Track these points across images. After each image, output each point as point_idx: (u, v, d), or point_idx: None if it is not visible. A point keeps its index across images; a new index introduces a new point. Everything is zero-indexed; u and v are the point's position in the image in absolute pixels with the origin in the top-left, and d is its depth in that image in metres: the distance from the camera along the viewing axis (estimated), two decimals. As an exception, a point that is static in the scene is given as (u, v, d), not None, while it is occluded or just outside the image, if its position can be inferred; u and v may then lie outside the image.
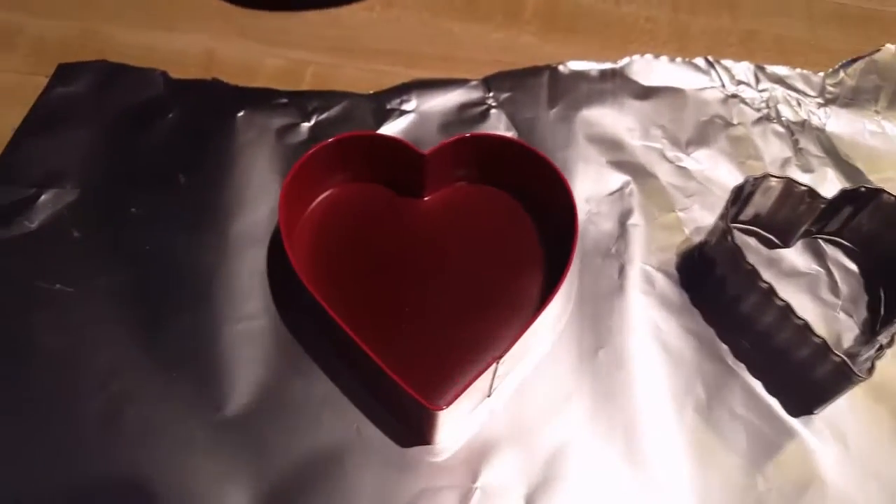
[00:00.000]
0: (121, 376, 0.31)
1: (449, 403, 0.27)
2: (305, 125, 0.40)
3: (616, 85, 0.43)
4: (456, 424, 0.30)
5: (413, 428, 0.30)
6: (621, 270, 0.35)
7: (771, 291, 0.31)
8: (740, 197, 0.34)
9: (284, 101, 0.41)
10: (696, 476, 0.30)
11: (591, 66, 0.43)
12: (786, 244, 0.37)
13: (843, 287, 0.35)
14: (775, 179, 0.34)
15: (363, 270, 0.34)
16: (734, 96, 0.43)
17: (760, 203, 0.36)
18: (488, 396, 0.31)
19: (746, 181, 0.34)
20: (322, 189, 0.35)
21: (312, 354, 0.32)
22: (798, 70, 0.45)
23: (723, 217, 0.33)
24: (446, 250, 0.34)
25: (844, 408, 0.31)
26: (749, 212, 0.36)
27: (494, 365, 0.28)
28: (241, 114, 0.40)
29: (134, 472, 0.29)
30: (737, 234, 0.36)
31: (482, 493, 0.29)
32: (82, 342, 0.32)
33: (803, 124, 0.42)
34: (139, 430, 0.30)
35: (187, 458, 0.29)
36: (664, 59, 0.44)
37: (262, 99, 0.41)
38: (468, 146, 0.34)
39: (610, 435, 0.30)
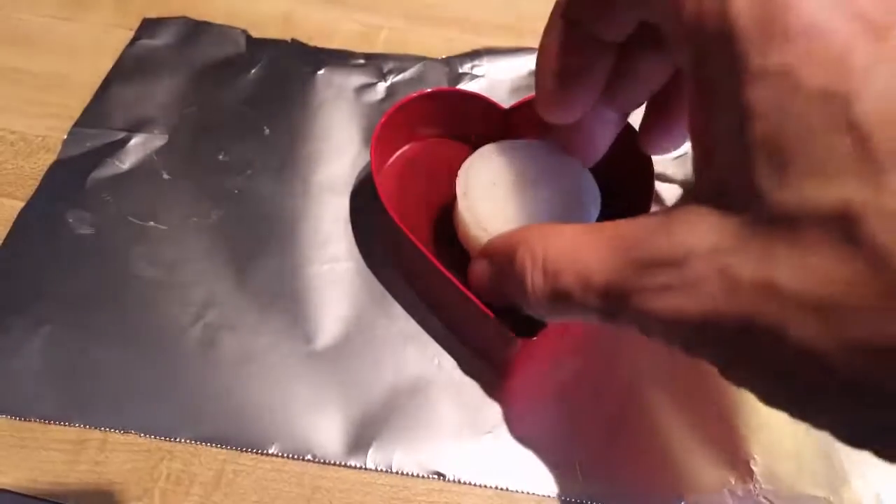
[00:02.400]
0: (215, 309, 0.32)
1: (534, 335, 0.28)
2: (382, 85, 0.41)
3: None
4: (533, 358, 0.31)
5: (493, 361, 0.31)
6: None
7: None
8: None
9: (361, 61, 0.42)
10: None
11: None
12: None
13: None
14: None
15: (441, 219, 0.35)
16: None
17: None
18: (561, 336, 0.32)
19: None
20: (405, 141, 0.37)
21: (394, 294, 0.34)
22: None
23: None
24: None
25: None
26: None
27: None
28: (320, 72, 0.41)
29: (233, 395, 0.30)
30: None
31: (559, 420, 0.30)
32: (177, 276, 0.33)
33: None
34: (236, 358, 0.31)
35: (283, 385, 0.31)
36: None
37: (339, 59, 0.42)
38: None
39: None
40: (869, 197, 0.14)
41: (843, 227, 0.14)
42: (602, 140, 0.30)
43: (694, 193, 0.18)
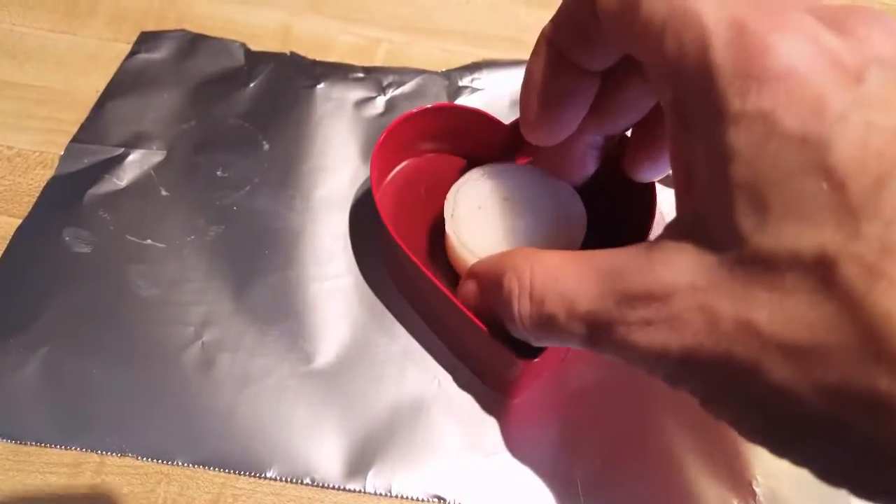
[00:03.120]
0: (214, 328, 0.32)
1: (535, 356, 0.28)
2: (381, 98, 0.41)
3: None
4: (534, 379, 0.31)
5: (492, 381, 0.31)
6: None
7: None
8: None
9: (360, 75, 0.42)
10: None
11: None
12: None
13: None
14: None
15: (440, 236, 0.35)
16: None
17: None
18: (565, 355, 0.32)
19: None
20: (404, 157, 0.37)
21: (394, 312, 0.33)
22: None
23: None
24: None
25: None
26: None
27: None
28: (319, 86, 0.41)
29: (231, 417, 0.30)
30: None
31: (562, 442, 0.30)
32: (175, 295, 0.33)
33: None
34: (234, 379, 0.31)
35: (282, 406, 0.30)
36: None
37: (339, 73, 0.42)
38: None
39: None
40: (844, 243, 0.14)
41: (819, 272, 0.14)
42: (588, 163, 0.30)
43: (674, 226, 0.19)
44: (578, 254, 0.21)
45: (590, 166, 0.30)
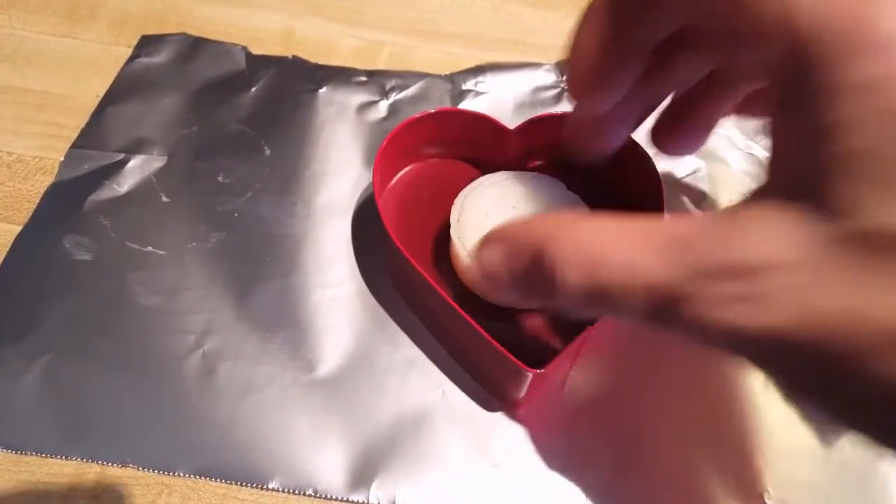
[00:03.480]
0: (215, 337, 0.32)
1: (544, 366, 0.28)
2: (384, 102, 0.41)
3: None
4: (539, 389, 0.31)
5: (498, 391, 0.31)
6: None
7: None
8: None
9: (363, 79, 0.42)
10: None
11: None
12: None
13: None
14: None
15: (444, 242, 0.34)
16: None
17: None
18: (570, 367, 0.32)
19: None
20: (407, 162, 0.36)
21: (397, 320, 0.33)
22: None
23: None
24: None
25: None
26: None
27: (585, 332, 0.29)
28: (322, 90, 0.41)
29: (233, 427, 0.30)
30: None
31: (567, 454, 0.29)
32: (176, 303, 0.33)
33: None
34: (236, 388, 0.31)
35: (284, 416, 0.30)
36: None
37: (341, 77, 0.42)
38: (557, 125, 0.34)
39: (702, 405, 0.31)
40: None
41: None
42: (622, 132, 0.29)
43: (766, 195, 0.17)
44: (638, 219, 0.19)
45: (623, 135, 0.29)
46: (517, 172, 0.32)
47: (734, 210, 0.17)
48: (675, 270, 0.17)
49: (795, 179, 0.16)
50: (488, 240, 0.23)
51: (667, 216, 0.19)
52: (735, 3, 0.17)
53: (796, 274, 0.15)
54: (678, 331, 0.18)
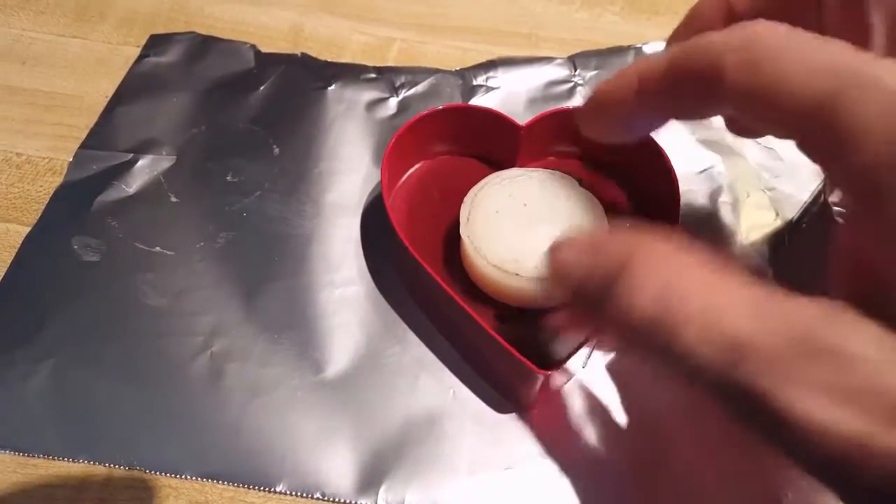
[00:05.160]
0: (223, 338, 0.31)
1: (555, 368, 0.27)
2: (394, 99, 0.40)
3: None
4: (551, 391, 0.30)
5: (509, 393, 0.30)
6: (715, 247, 0.35)
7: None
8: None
9: (373, 75, 0.41)
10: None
11: (676, 47, 0.43)
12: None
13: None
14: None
15: (455, 240, 0.34)
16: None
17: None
18: (583, 367, 0.31)
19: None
20: (416, 160, 0.36)
21: (407, 320, 0.32)
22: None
23: (820, 194, 0.33)
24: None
25: None
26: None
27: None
28: (331, 87, 0.40)
29: (241, 430, 0.29)
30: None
31: (579, 458, 0.29)
32: (184, 304, 0.32)
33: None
34: (244, 390, 0.30)
35: (292, 418, 0.30)
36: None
37: (350, 74, 0.41)
38: (568, 119, 0.34)
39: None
40: None
41: None
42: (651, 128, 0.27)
43: (842, 301, 0.15)
44: (731, 274, 0.17)
45: (641, 135, 0.25)
46: (528, 169, 0.32)
47: (830, 303, 0.15)
48: (761, 327, 0.15)
49: (874, 282, 0.15)
50: (571, 242, 0.21)
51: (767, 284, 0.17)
52: (794, 108, 0.16)
53: (883, 376, 0.14)
54: (738, 403, 0.16)
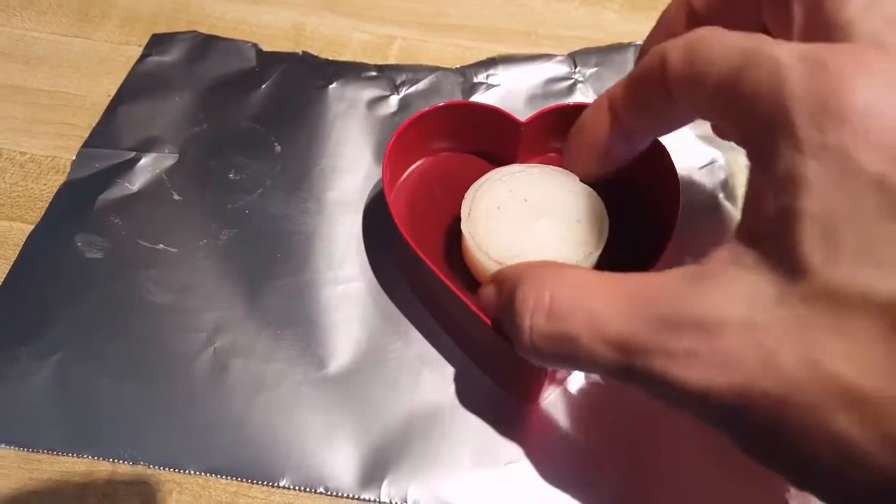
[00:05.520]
0: (226, 334, 0.32)
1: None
2: (395, 97, 0.40)
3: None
4: (554, 387, 0.30)
5: (512, 388, 0.30)
6: (717, 243, 0.35)
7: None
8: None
9: (374, 73, 0.41)
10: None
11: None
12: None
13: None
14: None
15: (456, 236, 0.34)
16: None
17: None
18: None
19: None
20: (418, 156, 0.36)
21: (409, 316, 0.33)
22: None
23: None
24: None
25: None
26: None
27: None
28: (332, 86, 0.41)
29: (244, 425, 0.29)
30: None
31: (582, 453, 0.29)
32: (187, 300, 0.33)
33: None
34: (247, 386, 0.30)
35: (295, 413, 0.30)
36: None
37: (351, 72, 0.41)
38: (569, 116, 0.34)
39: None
40: None
41: (891, 318, 0.14)
42: (627, 156, 0.28)
43: (727, 255, 0.17)
44: (609, 274, 0.20)
45: (628, 159, 0.29)
46: (529, 165, 0.32)
47: (698, 269, 0.18)
48: (641, 324, 0.18)
49: (753, 242, 0.17)
50: (489, 279, 0.25)
51: (635, 273, 0.19)
52: (716, 88, 0.19)
53: (750, 333, 0.16)
54: (639, 385, 0.18)
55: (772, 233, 0.16)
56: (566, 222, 0.29)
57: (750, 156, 0.18)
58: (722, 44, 0.18)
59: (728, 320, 0.16)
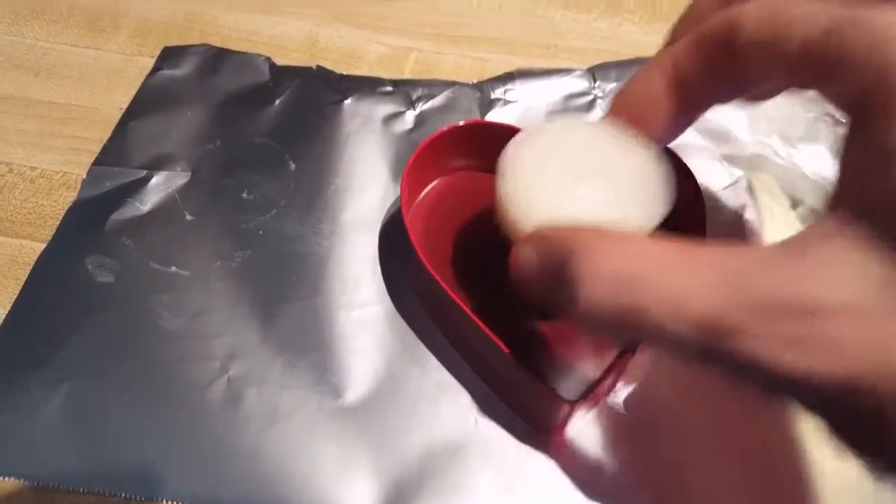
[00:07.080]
0: (240, 361, 0.31)
1: (584, 396, 0.27)
2: (411, 113, 0.40)
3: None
4: (578, 419, 0.29)
5: (533, 419, 0.29)
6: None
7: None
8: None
9: (389, 89, 0.40)
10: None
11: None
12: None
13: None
14: None
15: (476, 259, 0.33)
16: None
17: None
18: (611, 395, 0.30)
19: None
20: (435, 176, 0.35)
21: (427, 343, 0.32)
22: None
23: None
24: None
25: None
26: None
27: (624, 359, 0.28)
28: (347, 101, 0.40)
29: (258, 457, 0.29)
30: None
31: (606, 484, 0.28)
32: (201, 326, 0.32)
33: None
34: (261, 416, 0.30)
35: (311, 445, 0.29)
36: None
37: (366, 87, 0.40)
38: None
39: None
40: None
41: None
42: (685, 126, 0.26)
43: (831, 231, 0.16)
44: (682, 244, 0.18)
45: (678, 130, 0.26)
46: (576, 119, 0.28)
47: (799, 243, 0.16)
48: (730, 304, 0.16)
49: (865, 203, 0.16)
50: (526, 238, 0.22)
51: (717, 246, 0.18)
52: (798, 54, 0.18)
53: (864, 319, 0.15)
54: (725, 368, 0.17)
55: (883, 206, 0.15)
56: (620, 184, 0.24)
57: (852, 122, 0.17)
58: (805, 6, 0.18)
59: (838, 304, 0.15)
